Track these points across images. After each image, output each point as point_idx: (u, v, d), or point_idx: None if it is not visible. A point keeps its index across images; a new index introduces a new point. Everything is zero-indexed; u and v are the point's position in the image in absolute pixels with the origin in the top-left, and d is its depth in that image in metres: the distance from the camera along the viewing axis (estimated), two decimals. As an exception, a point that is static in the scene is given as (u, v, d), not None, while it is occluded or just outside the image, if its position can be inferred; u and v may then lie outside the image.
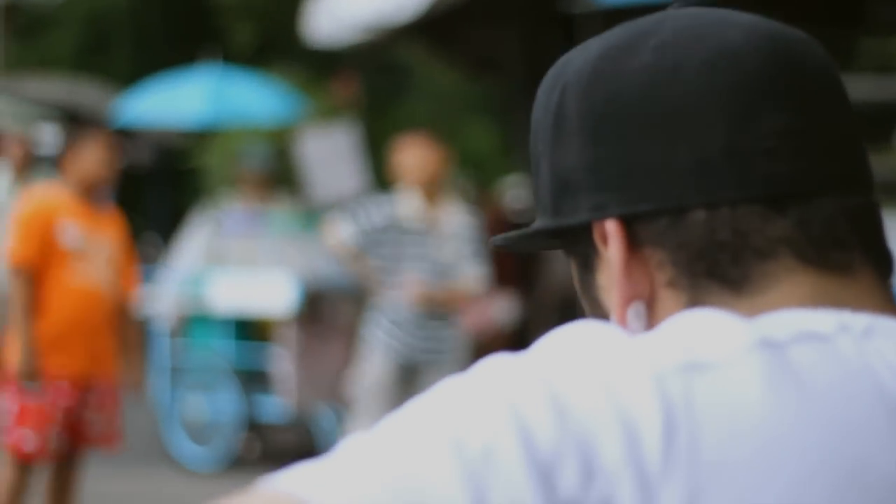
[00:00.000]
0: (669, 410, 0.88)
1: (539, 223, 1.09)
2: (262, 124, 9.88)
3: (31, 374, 5.66)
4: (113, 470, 7.73)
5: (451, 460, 0.86)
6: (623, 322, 1.02)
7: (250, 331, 8.25)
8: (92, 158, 5.80)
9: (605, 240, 1.03)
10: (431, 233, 6.16)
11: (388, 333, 6.14)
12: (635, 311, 1.02)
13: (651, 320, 1.02)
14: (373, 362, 6.18)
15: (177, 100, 9.74)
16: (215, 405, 8.14)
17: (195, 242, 10.13)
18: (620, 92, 1.01)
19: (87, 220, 5.87)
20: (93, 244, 5.86)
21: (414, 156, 6.22)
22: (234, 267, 8.29)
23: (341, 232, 6.21)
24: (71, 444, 5.89)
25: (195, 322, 8.40)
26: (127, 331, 6.10)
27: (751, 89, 0.99)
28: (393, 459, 0.87)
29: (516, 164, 25.04)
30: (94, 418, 5.92)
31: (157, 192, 16.86)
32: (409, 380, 6.18)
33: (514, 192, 13.34)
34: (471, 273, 6.22)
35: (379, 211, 6.22)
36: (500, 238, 1.16)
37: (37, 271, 5.70)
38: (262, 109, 9.30)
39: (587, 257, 1.07)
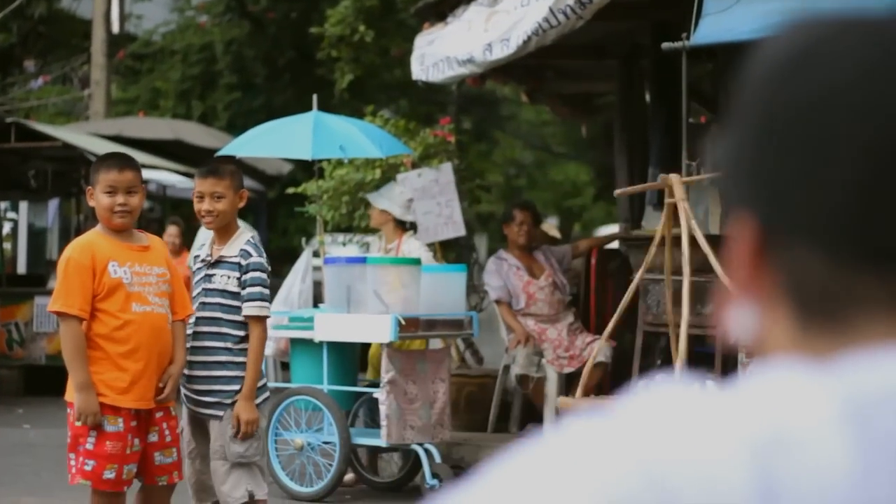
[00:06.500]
0: (763, 491, 0.85)
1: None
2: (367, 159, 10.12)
3: None
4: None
5: None
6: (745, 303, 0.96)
7: (350, 363, 8.36)
8: None
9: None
10: (214, 267, 5.88)
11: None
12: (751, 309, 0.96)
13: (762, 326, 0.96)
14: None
15: (280, 144, 9.91)
16: (313, 437, 8.14)
17: (297, 278, 10.38)
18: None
19: None
20: None
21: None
22: (332, 307, 8.36)
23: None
24: None
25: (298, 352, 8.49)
26: None
27: None
28: None
29: (604, 199, 25.09)
30: None
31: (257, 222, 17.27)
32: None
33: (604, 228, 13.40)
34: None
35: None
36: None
37: None
38: (364, 151, 9.51)
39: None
